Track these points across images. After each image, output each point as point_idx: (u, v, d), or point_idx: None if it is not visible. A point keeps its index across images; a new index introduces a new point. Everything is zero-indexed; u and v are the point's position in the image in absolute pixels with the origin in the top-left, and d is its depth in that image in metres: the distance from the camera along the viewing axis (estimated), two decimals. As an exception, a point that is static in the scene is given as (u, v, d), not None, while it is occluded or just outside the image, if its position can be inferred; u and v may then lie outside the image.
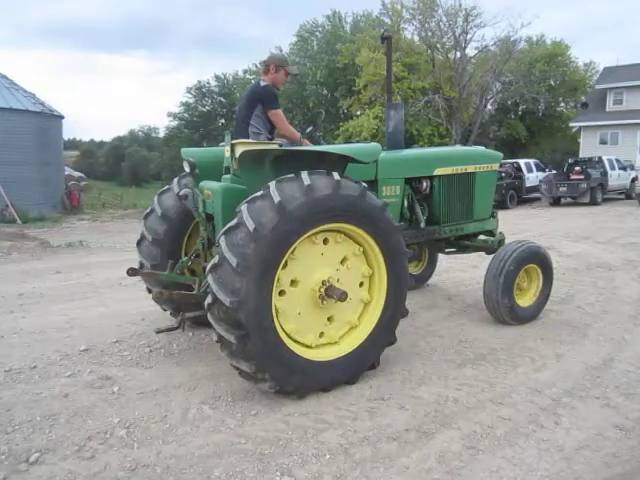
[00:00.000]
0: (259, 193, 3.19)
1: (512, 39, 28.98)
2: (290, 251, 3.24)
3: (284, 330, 3.36)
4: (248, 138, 4.20)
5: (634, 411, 3.25)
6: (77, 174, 30.15)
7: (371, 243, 3.55)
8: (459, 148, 6.63)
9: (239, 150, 3.60)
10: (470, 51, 30.14)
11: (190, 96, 47.09)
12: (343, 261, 3.58)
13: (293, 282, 3.40)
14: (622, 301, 5.69)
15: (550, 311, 5.21)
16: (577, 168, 19.59)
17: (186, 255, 4.32)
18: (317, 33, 36.33)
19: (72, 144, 64.56)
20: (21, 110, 17.81)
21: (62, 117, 20.48)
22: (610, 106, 29.35)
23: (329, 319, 3.59)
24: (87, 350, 4.33)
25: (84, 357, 4.20)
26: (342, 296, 3.42)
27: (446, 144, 25.28)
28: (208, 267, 3.18)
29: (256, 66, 37.82)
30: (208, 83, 47.21)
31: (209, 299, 3.15)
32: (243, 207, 3.15)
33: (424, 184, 4.78)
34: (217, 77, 47.02)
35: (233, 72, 47.13)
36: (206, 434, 3.03)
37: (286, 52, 34.98)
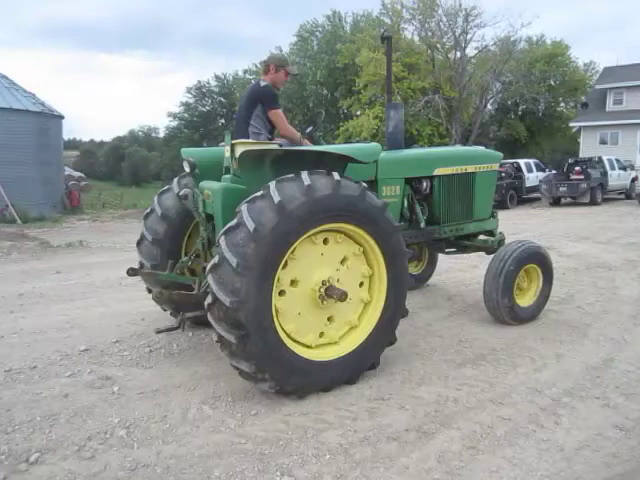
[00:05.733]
0: (259, 193, 3.19)
1: (512, 39, 29.02)
2: (290, 251, 3.24)
3: (284, 330, 3.36)
4: (248, 138, 4.20)
5: (634, 411, 3.25)
6: (77, 174, 30.23)
7: (371, 243, 3.55)
8: (459, 148, 6.63)
9: (239, 150, 3.60)
10: (470, 51, 30.20)
11: (190, 96, 47.23)
12: (343, 261, 3.58)
13: (293, 282, 3.39)
14: (622, 301, 5.69)
15: (550, 311, 5.21)
16: (577, 168, 19.61)
17: (186, 255, 4.32)
18: (317, 33, 36.35)
19: (72, 144, 64.56)
20: (21, 110, 17.79)
21: (62, 117, 20.47)
22: (610, 106, 29.34)
23: (329, 319, 3.59)
24: (87, 350, 4.33)
25: (84, 357, 4.20)
26: (342, 296, 3.42)
27: (446, 144, 25.27)
28: (208, 267, 3.18)
29: (256, 66, 37.86)
30: (208, 83, 47.35)
31: (209, 299, 3.15)
32: (243, 207, 3.15)
33: (424, 184, 4.78)
34: (217, 77, 47.17)
35: (233, 72, 47.29)
36: (206, 434, 3.03)
37: (286, 52, 34.99)
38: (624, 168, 21.59)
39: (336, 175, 3.34)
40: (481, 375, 3.80)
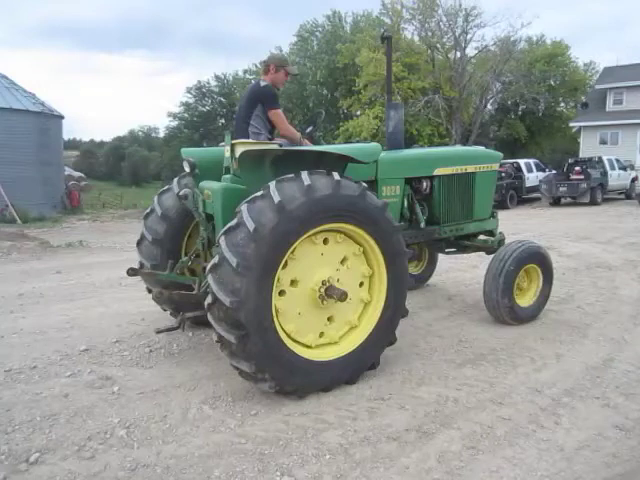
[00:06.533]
0: (259, 193, 3.19)
1: (512, 39, 29.01)
2: (290, 251, 3.24)
3: (284, 330, 3.36)
4: (248, 138, 4.20)
5: (634, 411, 3.25)
6: (77, 174, 30.21)
7: (371, 243, 3.55)
8: (459, 148, 6.63)
9: (239, 150, 3.60)
10: (470, 51, 30.21)
11: (190, 96, 47.28)
12: (343, 261, 3.58)
13: (293, 282, 3.39)
14: (622, 301, 5.69)
15: (550, 311, 5.21)
16: (577, 168, 19.61)
17: (186, 255, 4.32)
18: (317, 33, 36.37)
19: (72, 144, 64.47)
20: (21, 110, 17.79)
21: (62, 117, 20.47)
22: (610, 106, 29.34)
23: (329, 319, 3.59)
24: (87, 350, 4.33)
25: (84, 357, 4.20)
26: (342, 296, 3.42)
27: (446, 144, 25.27)
28: (208, 267, 3.18)
29: (256, 66, 37.89)
30: (208, 83, 47.40)
31: (209, 299, 3.15)
32: (243, 207, 3.15)
33: (424, 184, 4.78)
34: (217, 77, 47.21)
35: (233, 72, 47.34)
36: (206, 434, 3.03)
37: (286, 52, 35.00)
38: (624, 168, 21.60)
39: (336, 175, 3.34)
40: (481, 375, 3.80)
